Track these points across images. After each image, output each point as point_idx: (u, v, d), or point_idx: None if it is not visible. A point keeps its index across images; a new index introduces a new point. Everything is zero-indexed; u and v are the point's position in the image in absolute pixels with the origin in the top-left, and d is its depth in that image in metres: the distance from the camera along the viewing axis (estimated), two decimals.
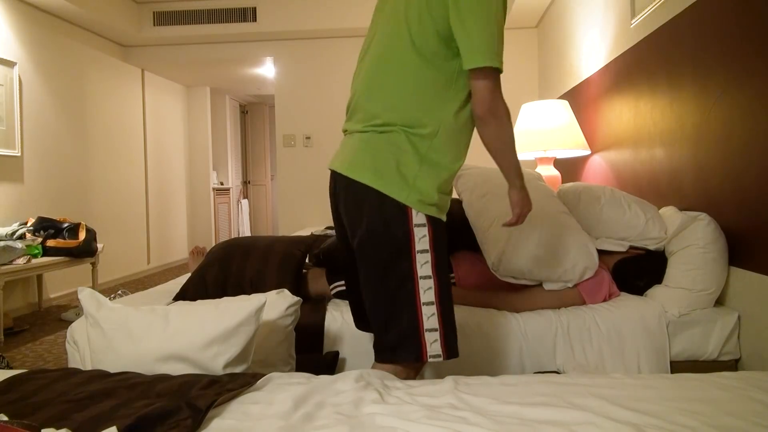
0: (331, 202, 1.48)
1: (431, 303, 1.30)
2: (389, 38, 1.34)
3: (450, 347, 1.32)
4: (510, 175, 1.38)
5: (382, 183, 1.28)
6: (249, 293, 1.89)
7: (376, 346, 1.36)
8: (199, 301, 1.68)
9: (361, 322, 1.58)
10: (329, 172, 1.45)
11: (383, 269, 1.31)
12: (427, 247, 1.29)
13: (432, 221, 1.30)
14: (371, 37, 1.42)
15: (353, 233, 1.35)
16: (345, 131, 1.46)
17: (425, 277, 1.30)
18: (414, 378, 1.38)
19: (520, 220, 1.42)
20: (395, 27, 1.33)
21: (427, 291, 1.30)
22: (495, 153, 1.34)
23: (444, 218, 1.35)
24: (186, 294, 1.96)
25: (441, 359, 1.31)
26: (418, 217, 1.29)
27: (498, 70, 1.26)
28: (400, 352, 1.32)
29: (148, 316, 1.36)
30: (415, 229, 1.29)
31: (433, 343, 1.30)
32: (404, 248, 1.29)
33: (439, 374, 1.77)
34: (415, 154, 1.30)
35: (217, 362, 1.28)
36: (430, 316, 1.30)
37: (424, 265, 1.29)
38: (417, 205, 1.28)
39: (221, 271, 1.99)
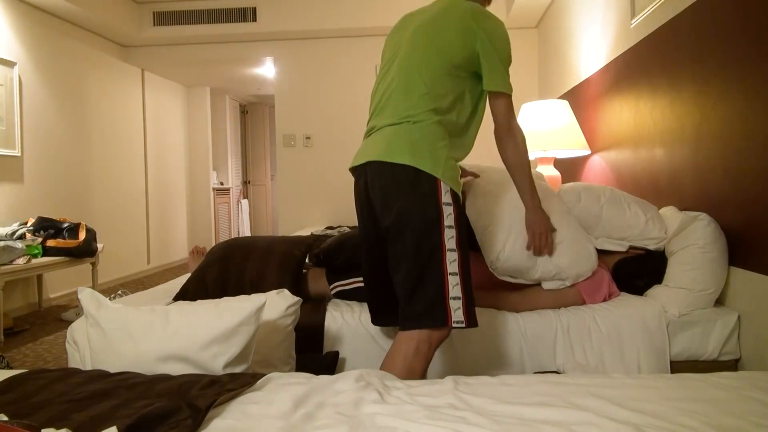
0: (357, 199, 1.63)
1: (455, 273, 1.45)
2: (420, 52, 1.56)
3: (471, 316, 1.46)
4: (524, 195, 1.68)
5: (418, 161, 1.46)
6: (249, 293, 1.89)
7: (403, 316, 1.48)
8: (199, 301, 1.68)
9: (379, 318, 1.67)
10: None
11: (416, 241, 1.45)
12: (453, 223, 1.46)
13: (455, 200, 1.48)
14: (395, 53, 1.64)
15: (388, 212, 1.49)
16: (372, 128, 1.62)
17: (451, 250, 1.45)
18: (434, 351, 1.48)
19: (536, 242, 1.74)
20: (426, 44, 1.56)
21: (452, 262, 1.45)
22: (512, 169, 1.64)
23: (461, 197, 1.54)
24: (186, 294, 1.96)
25: (463, 326, 1.44)
26: (446, 196, 1.46)
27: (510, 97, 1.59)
28: (427, 318, 1.45)
29: (148, 316, 1.36)
30: (444, 207, 1.46)
31: (456, 311, 1.44)
32: (435, 222, 1.45)
33: (440, 374, 1.77)
34: (444, 139, 1.51)
35: (217, 362, 1.28)
36: (454, 285, 1.45)
37: (450, 239, 1.46)
38: (448, 180, 1.47)
39: (221, 271, 1.99)
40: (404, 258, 1.47)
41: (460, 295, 1.44)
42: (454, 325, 1.43)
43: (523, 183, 1.65)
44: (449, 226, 1.45)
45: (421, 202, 1.45)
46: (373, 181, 1.53)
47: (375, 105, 1.64)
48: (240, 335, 1.31)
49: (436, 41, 1.55)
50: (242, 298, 1.52)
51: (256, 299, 1.37)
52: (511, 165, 1.63)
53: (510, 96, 1.58)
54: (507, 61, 1.58)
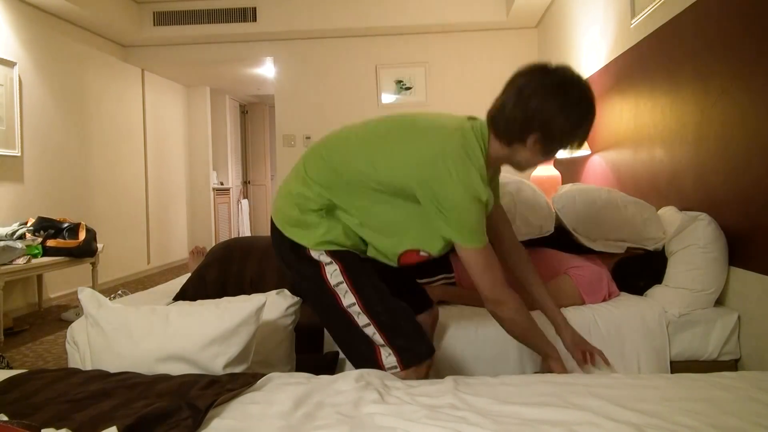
0: None
1: (368, 324, 1.34)
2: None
3: (405, 356, 1.34)
4: (540, 349, 1.44)
5: (289, 229, 1.37)
6: (249, 293, 1.89)
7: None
8: (199, 301, 1.68)
9: None
10: None
11: (319, 311, 1.42)
12: (341, 278, 1.34)
13: (338, 255, 1.35)
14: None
15: None
16: None
17: (351, 305, 1.35)
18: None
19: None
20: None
21: (359, 316, 1.34)
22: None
23: (356, 250, 1.39)
24: (186, 294, 1.96)
25: (399, 370, 1.33)
26: (322, 256, 1.34)
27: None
28: (367, 361, 1.36)
29: (149, 316, 1.36)
30: (326, 267, 1.34)
31: (387, 357, 1.35)
32: (321, 288, 1.35)
33: (440, 374, 1.77)
34: (317, 207, 1.36)
35: (217, 362, 1.28)
36: (372, 335, 1.35)
37: (346, 295, 1.35)
38: (315, 246, 1.34)
39: (221, 271, 1.99)
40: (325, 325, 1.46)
41: (383, 341, 1.34)
42: (388, 371, 1.32)
43: (532, 344, 1.44)
44: (338, 284, 1.34)
45: (301, 274, 1.40)
46: None
47: None
48: (240, 335, 1.31)
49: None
50: (242, 298, 1.52)
51: (256, 299, 1.37)
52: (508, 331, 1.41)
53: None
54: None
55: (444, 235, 1.31)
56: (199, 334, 1.30)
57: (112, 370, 1.29)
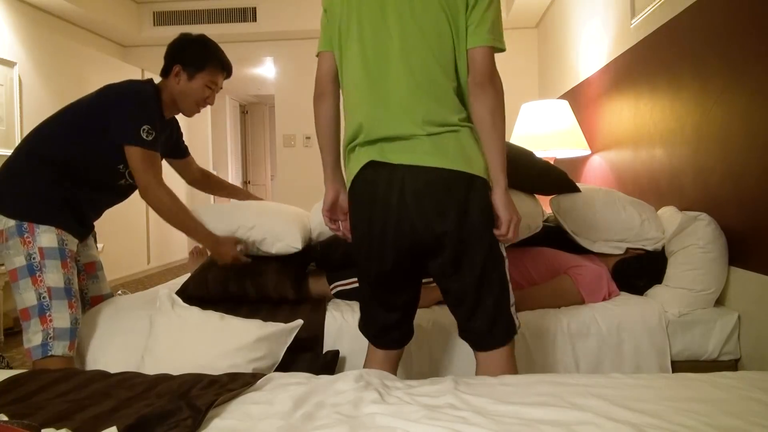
0: (376, 206, 1.30)
1: (510, 279, 1.37)
2: (424, 40, 1.28)
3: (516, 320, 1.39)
4: (497, 167, 1.29)
5: (475, 168, 1.28)
6: (250, 291, 1.91)
7: (484, 339, 1.35)
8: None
9: (381, 339, 1.49)
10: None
11: (486, 255, 1.30)
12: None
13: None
14: (384, 34, 1.29)
15: (445, 226, 1.26)
16: (394, 138, 1.29)
17: (506, 257, 1.36)
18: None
19: (513, 234, 1.31)
20: (426, 31, 1.27)
21: (507, 269, 1.36)
22: (487, 130, 1.28)
23: None
24: (186, 291, 1.96)
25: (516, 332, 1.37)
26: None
27: (500, 51, 1.31)
28: (510, 333, 1.36)
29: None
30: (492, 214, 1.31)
31: (516, 318, 1.37)
32: (492, 231, 1.31)
33: (440, 374, 1.77)
34: (476, 140, 1.31)
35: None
36: (512, 292, 1.37)
37: (502, 245, 1.35)
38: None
39: (223, 270, 1.99)
40: (476, 278, 1.30)
41: (514, 300, 1.37)
42: (518, 330, 1.37)
43: (496, 150, 1.28)
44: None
45: (484, 211, 1.29)
46: (420, 190, 1.27)
47: (375, 107, 1.30)
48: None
49: (431, 27, 1.27)
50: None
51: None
52: (487, 124, 1.27)
53: (499, 49, 1.30)
54: (497, 8, 1.31)
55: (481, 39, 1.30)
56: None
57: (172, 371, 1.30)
